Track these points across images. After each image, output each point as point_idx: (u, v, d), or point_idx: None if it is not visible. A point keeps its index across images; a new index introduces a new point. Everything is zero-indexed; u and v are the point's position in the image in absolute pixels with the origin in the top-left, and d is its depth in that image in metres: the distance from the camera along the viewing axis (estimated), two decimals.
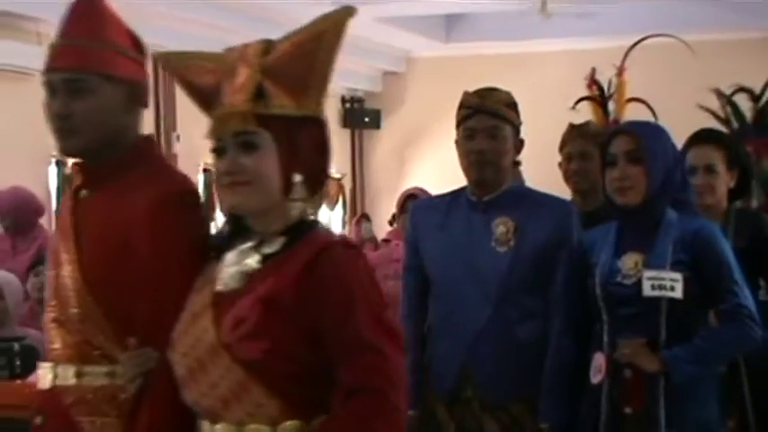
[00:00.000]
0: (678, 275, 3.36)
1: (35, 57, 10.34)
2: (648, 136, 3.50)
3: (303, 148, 2.58)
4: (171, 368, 2.57)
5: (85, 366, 2.79)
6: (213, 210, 2.96)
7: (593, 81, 6.29)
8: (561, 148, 4.75)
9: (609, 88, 6.23)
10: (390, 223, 10.53)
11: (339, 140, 15.66)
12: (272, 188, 2.54)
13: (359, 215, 14.12)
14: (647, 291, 3.37)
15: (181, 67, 2.87)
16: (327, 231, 2.70)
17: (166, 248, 2.70)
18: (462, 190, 3.84)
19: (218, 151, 2.64)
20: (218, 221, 2.77)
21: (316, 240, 2.54)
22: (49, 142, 10.00)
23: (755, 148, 5.56)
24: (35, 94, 10.59)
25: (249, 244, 2.59)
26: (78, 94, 2.81)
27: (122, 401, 2.74)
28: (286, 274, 2.48)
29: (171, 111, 12.61)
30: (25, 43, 10.36)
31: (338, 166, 15.55)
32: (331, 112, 15.71)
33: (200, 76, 2.73)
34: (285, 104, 2.56)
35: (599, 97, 6.18)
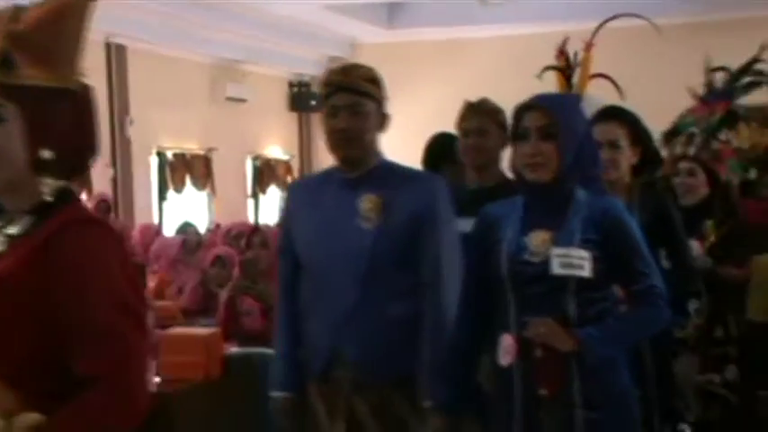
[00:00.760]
0: (586, 254, 3.12)
1: None
2: (562, 111, 3.25)
3: (55, 122, 2.28)
4: None
5: None
6: None
7: (561, 52, 6.17)
8: (459, 125, 4.53)
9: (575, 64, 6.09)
10: None
11: (287, 123, 15.69)
12: (16, 164, 2.25)
13: None
14: (556, 269, 3.13)
15: None
16: (80, 209, 2.39)
17: None
18: (336, 168, 3.61)
19: None
20: None
21: (61, 218, 2.27)
22: None
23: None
24: None
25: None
26: None
27: None
28: (22, 255, 2.22)
29: (124, 96, 12.53)
30: None
31: (286, 148, 15.60)
32: (279, 96, 15.73)
33: None
34: (33, 75, 2.25)
35: (565, 69, 6.05)
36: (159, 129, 12.92)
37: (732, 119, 5.85)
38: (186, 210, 13.34)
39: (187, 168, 13.57)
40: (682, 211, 4.51)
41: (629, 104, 4.48)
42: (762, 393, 6.26)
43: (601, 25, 6.06)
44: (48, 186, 2.29)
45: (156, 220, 12.71)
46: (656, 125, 5.80)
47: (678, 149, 6.27)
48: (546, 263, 3.13)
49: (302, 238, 3.56)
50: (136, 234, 11.06)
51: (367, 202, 3.41)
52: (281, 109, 15.53)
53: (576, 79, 5.91)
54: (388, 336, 3.40)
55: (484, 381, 3.68)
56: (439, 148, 4.94)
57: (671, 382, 4.20)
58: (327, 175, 3.65)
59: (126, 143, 12.60)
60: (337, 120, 3.43)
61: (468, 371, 3.41)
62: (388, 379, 3.42)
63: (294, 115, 15.89)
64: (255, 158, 14.72)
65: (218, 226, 12.58)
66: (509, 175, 3.68)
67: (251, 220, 13.94)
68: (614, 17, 6.16)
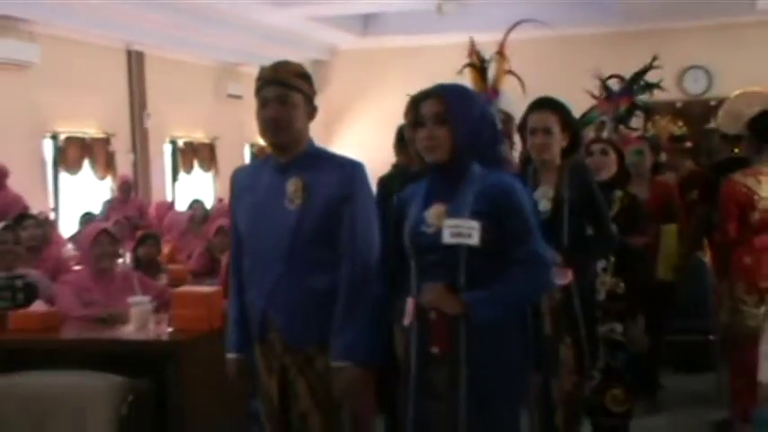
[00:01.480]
0: (476, 224, 2.93)
1: (30, 52, 10.35)
2: (454, 99, 3.06)
3: None
4: None
5: None
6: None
7: (473, 51, 6.15)
8: (405, 116, 4.47)
9: (490, 62, 6.12)
10: None
11: None
12: None
13: None
14: (447, 238, 2.96)
15: None
16: None
17: None
18: (271, 155, 3.45)
19: None
20: None
21: None
22: (44, 121, 9.92)
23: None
24: (31, 82, 10.54)
25: None
26: None
27: None
28: None
29: (142, 94, 12.51)
30: (22, 41, 10.24)
31: None
32: None
33: None
34: None
35: (479, 66, 6.07)
36: (172, 121, 12.87)
37: (637, 110, 5.91)
38: (195, 188, 13.31)
39: (195, 154, 13.54)
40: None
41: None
42: (666, 338, 6.34)
43: (508, 32, 6.10)
44: None
45: (169, 198, 12.68)
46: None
47: (591, 134, 6.32)
48: (439, 233, 2.98)
49: (241, 217, 3.42)
50: (152, 209, 11.07)
51: (292, 185, 3.27)
52: None
53: (490, 75, 5.92)
54: (310, 304, 3.26)
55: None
56: (402, 138, 4.90)
57: (595, 330, 4.18)
58: (265, 160, 3.49)
59: (144, 133, 12.56)
60: (267, 110, 3.27)
61: (381, 328, 3.28)
62: (312, 342, 3.27)
63: None
64: (252, 145, 14.65)
65: (220, 201, 12.60)
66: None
67: None
68: (518, 23, 6.24)
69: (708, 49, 13.43)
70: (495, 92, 5.94)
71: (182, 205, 11.66)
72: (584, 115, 6.21)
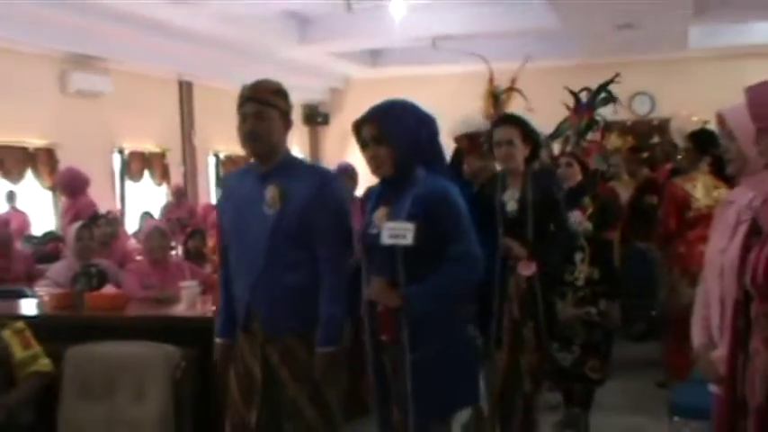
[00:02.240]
0: (411, 225, 2.74)
1: (104, 83, 10.61)
2: (387, 120, 2.85)
3: None
4: None
5: None
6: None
7: (491, 80, 5.78)
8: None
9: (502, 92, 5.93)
10: None
11: (300, 134, 15.65)
12: None
13: None
14: (385, 239, 2.79)
15: None
16: None
17: None
18: (254, 164, 3.22)
19: None
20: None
21: None
22: (113, 139, 9.92)
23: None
24: (104, 108, 10.56)
25: None
26: None
27: None
28: None
29: (191, 116, 12.60)
30: (98, 75, 10.46)
31: (302, 149, 15.54)
32: (296, 114, 15.58)
33: None
34: None
35: (493, 92, 5.74)
36: (215, 138, 12.90)
37: (595, 125, 5.91)
38: None
39: (234, 165, 13.52)
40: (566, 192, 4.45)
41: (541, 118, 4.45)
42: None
43: (521, 66, 6.05)
44: None
45: (213, 201, 12.71)
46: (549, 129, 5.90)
47: (558, 148, 6.29)
48: (380, 234, 2.82)
49: (226, 219, 3.25)
50: (200, 210, 11.08)
51: (270, 192, 3.07)
52: (297, 123, 15.35)
53: (503, 97, 5.83)
54: (286, 299, 3.07)
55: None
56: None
57: (554, 313, 4.02)
58: (250, 168, 3.24)
59: (192, 148, 12.63)
60: (246, 124, 3.07)
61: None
62: (288, 331, 3.09)
63: (306, 128, 15.80)
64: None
65: None
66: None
67: None
68: (526, 60, 6.18)
69: (652, 78, 13.63)
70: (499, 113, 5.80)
71: None
72: (557, 128, 6.18)
